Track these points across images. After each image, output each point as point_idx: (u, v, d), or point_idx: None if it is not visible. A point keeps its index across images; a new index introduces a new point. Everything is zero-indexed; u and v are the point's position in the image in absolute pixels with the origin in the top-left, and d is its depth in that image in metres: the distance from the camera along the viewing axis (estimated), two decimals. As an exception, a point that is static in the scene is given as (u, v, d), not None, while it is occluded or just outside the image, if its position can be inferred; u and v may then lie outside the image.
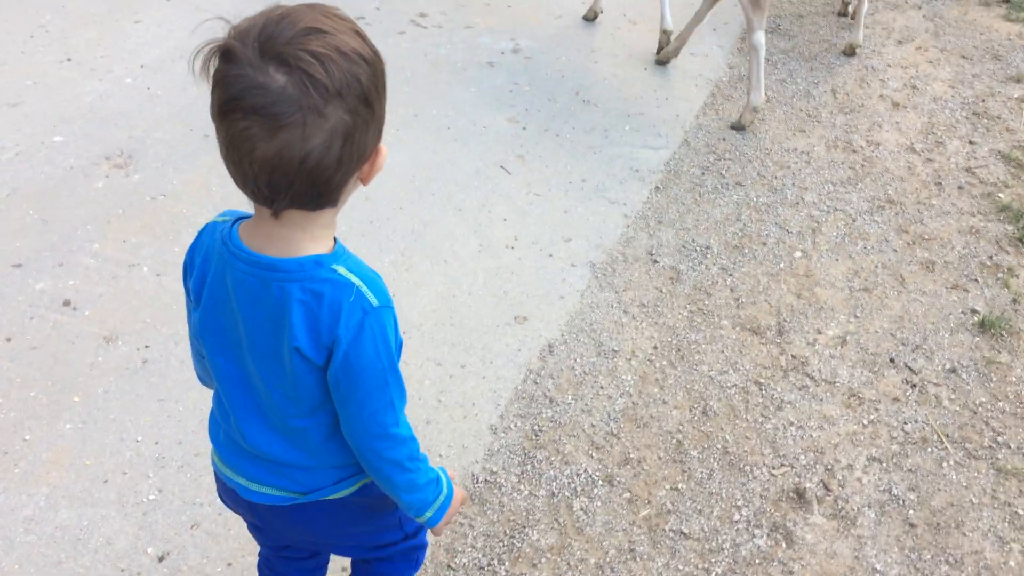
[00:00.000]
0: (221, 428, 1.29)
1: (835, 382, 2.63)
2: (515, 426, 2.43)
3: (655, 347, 2.73)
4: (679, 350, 2.73)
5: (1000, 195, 3.53)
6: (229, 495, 1.35)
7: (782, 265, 3.11)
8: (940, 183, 3.61)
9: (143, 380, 2.44)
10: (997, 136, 3.97)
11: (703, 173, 3.63)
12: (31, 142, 3.34)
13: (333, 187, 1.04)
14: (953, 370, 2.69)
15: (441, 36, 4.55)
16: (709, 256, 3.13)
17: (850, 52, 4.65)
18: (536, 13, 4.91)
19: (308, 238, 1.09)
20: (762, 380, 2.62)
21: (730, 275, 3.05)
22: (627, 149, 3.75)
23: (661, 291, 2.97)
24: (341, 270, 1.09)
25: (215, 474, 1.36)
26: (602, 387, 2.58)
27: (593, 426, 2.45)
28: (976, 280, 3.06)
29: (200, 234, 1.19)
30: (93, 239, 2.89)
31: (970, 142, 3.92)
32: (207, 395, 2.40)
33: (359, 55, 0.99)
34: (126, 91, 3.78)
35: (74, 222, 2.95)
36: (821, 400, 2.56)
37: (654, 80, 4.32)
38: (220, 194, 3.17)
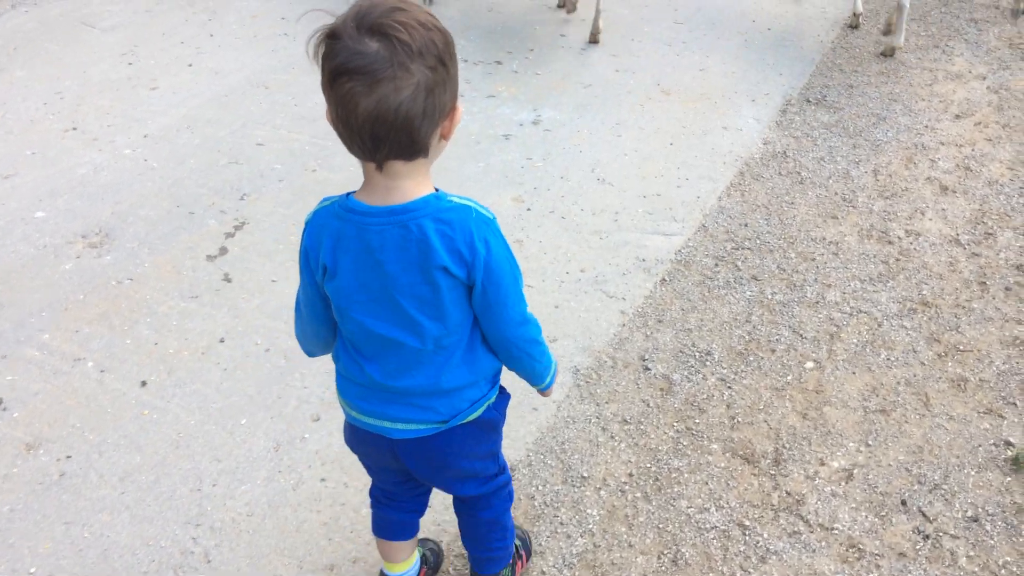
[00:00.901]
0: (356, 384, 1.50)
1: (833, 528, 2.29)
2: (453, 569, 2.17)
3: (630, 474, 2.44)
4: (657, 479, 2.42)
5: (1053, 300, 3.12)
6: (368, 441, 1.59)
7: (790, 377, 2.78)
8: (984, 283, 3.23)
9: (55, 498, 2.26)
10: (1057, 228, 3.55)
11: (716, 264, 3.33)
12: (13, 217, 3.27)
13: (422, 136, 1.24)
14: (975, 518, 2.31)
15: (461, 104, 4.37)
16: (708, 364, 2.83)
17: (889, 53, 4.38)
18: (564, 82, 4.71)
19: (415, 184, 1.31)
20: (748, 522, 2.30)
21: (729, 387, 2.74)
22: (636, 235, 3.47)
23: (648, 405, 2.67)
24: (456, 198, 1.34)
25: (350, 427, 1.62)
26: (562, 523, 2.29)
27: (543, 572, 2.16)
28: (1015, 404, 2.67)
29: (312, 221, 1.39)
30: (45, 328, 2.76)
31: (1025, 235, 3.52)
32: (118, 518, 2.22)
33: (434, 25, 1.23)
34: (122, 163, 3.70)
35: (31, 307, 2.83)
36: (814, 551, 2.22)
37: (679, 156, 4.05)
38: (189, 280, 3.03)
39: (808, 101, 4.66)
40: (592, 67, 4.92)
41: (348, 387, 1.55)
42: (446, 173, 3.80)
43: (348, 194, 1.36)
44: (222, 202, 3.47)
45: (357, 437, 1.64)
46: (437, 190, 1.36)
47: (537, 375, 1.62)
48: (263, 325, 2.84)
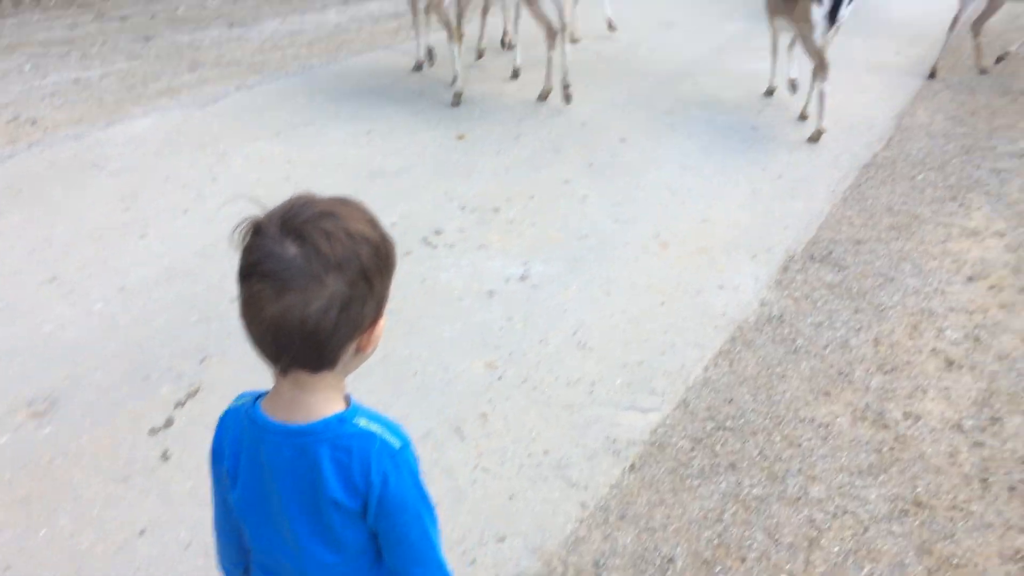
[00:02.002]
0: None
1: None
2: None
3: None
4: None
5: (1063, 505, 2.82)
6: None
7: (757, 593, 2.51)
8: (987, 479, 2.95)
9: None
10: (1072, 415, 3.26)
11: (693, 448, 3.10)
12: (-35, 379, 3.20)
13: (330, 350, 1.18)
14: None
15: (449, 258, 4.29)
16: (669, 574, 2.57)
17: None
18: (560, 232, 4.61)
19: (322, 399, 1.24)
20: None
21: (688, 603, 2.47)
22: (610, 411, 3.27)
23: (595, 622, 2.42)
24: (363, 422, 1.25)
25: None
26: None
27: None
28: (1011, 639, 2.36)
29: (223, 420, 1.33)
30: (-38, 511, 2.63)
31: (1036, 422, 3.23)
32: None
33: (364, 237, 1.17)
34: (90, 320, 3.64)
35: (-47, 488, 2.71)
36: None
37: (667, 319, 3.87)
38: (124, 457, 2.90)
39: (812, 258, 4.49)
40: (591, 216, 4.83)
41: None
42: (420, 334, 3.68)
43: (258, 397, 1.29)
44: (181, 364, 3.37)
45: None
46: (350, 404, 1.29)
47: None
48: (190, 514, 2.68)
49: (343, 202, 1.21)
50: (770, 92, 6.98)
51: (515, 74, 7.08)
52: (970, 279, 4.28)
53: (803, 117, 6.46)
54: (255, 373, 3.30)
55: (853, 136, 6.24)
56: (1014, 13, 9.67)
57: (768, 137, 6.12)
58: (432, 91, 6.71)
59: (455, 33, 6.49)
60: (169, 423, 3.05)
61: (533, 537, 2.70)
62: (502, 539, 2.68)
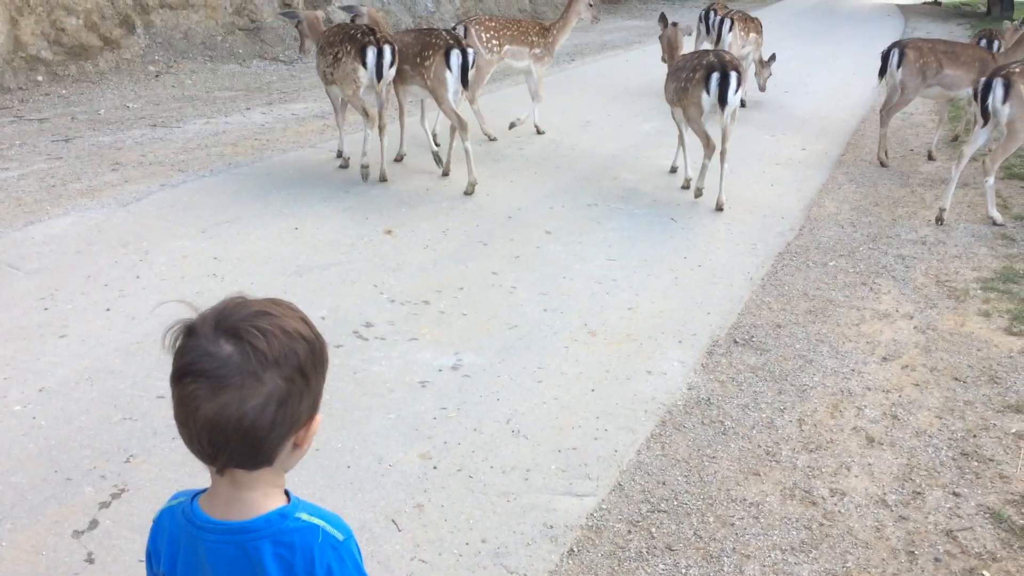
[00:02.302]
0: None
1: None
2: None
3: None
4: None
5: (985, 572, 2.91)
6: None
7: (699, 675, 2.49)
8: (913, 552, 3.02)
9: None
10: (988, 485, 3.40)
11: (630, 531, 3.11)
12: None
13: (267, 447, 1.18)
14: None
15: (380, 350, 4.29)
16: (610, 658, 2.55)
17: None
18: (490, 323, 4.66)
19: (262, 496, 1.23)
20: None
21: None
22: (547, 497, 3.27)
23: None
24: (304, 516, 1.24)
25: None
26: None
27: None
28: None
29: (158, 521, 1.31)
30: None
31: (955, 493, 3.35)
32: None
33: (299, 334, 1.19)
34: (8, 422, 3.51)
35: None
36: None
37: (598, 405, 3.92)
38: (46, 562, 2.77)
39: (735, 342, 4.63)
40: (520, 307, 4.90)
41: None
42: (353, 426, 3.64)
43: (195, 495, 1.29)
44: (105, 465, 3.26)
45: None
46: (290, 499, 1.29)
47: None
48: (116, 617, 2.56)
49: (275, 302, 1.24)
50: (673, 169, 7.38)
51: (445, 171, 7.23)
52: (884, 359, 4.46)
53: (697, 194, 6.84)
54: (182, 472, 3.22)
55: (767, 226, 6.53)
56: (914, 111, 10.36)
57: (687, 228, 6.35)
58: (360, 188, 6.80)
59: (373, 120, 6.68)
60: (94, 525, 2.93)
61: (473, 629, 2.65)
62: (441, 632, 2.62)
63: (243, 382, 1.14)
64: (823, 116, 10.59)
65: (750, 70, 10.95)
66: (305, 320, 1.24)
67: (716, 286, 5.36)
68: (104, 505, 3.05)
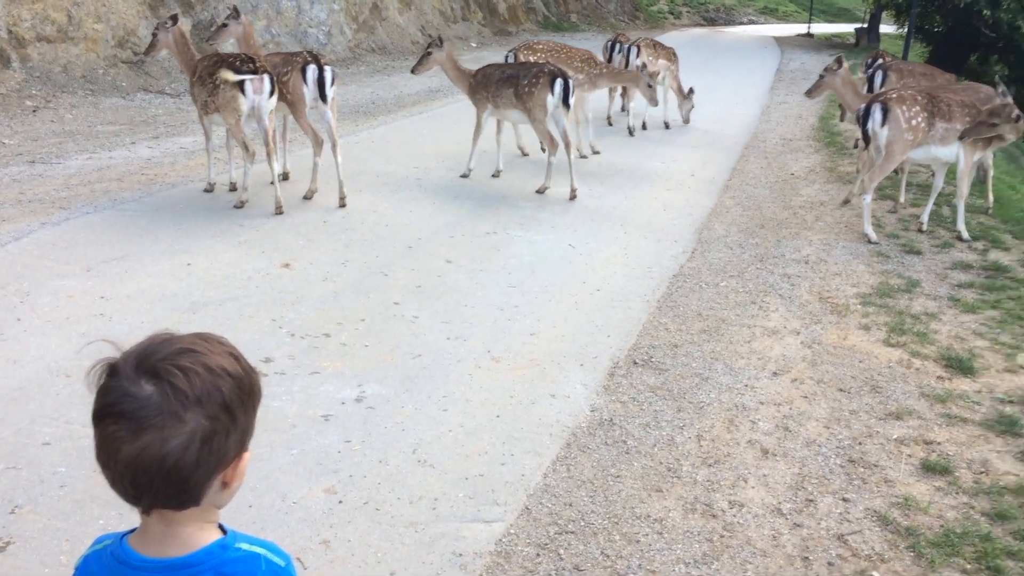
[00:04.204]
0: None
1: None
2: None
3: None
4: None
5: (875, 573, 3.07)
6: None
7: None
8: (807, 558, 3.15)
9: None
10: (874, 490, 3.58)
11: (538, 554, 3.14)
12: None
13: (192, 486, 1.16)
14: None
15: (280, 385, 4.21)
16: None
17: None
18: (393, 353, 4.64)
19: (197, 529, 1.22)
20: None
21: None
22: (455, 525, 3.27)
23: None
24: (245, 546, 1.25)
25: None
26: None
27: None
28: None
29: (83, 567, 1.26)
30: None
31: (844, 499, 3.51)
32: None
33: (225, 370, 1.17)
34: None
35: None
36: None
37: (504, 430, 3.95)
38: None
39: (635, 363, 4.74)
40: (423, 336, 4.90)
41: None
42: (254, 463, 3.55)
43: (123, 536, 1.25)
44: (-12, 517, 3.09)
45: None
46: (225, 532, 1.28)
47: None
48: (4, 678, 2.43)
49: (203, 337, 1.23)
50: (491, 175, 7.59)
51: (342, 203, 7.19)
52: (775, 374, 4.65)
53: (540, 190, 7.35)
54: (71, 521, 3.09)
55: (661, 249, 6.73)
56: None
57: (585, 253, 6.48)
58: (254, 221, 6.69)
59: (253, 155, 6.88)
60: (-25, 582, 2.78)
61: (385, 662, 2.62)
62: (353, 668, 2.58)
63: (164, 422, 1.13)
64: (709, 144, 11.01)
65: (673, 102, 11.41)
66: (234, 355, 1.23)
67: (615, 309, 5.48)
68: (-11, 560, 2.89)
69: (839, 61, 7.74)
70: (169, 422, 1.13)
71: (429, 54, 8.15)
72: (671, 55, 11.43)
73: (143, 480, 1.15)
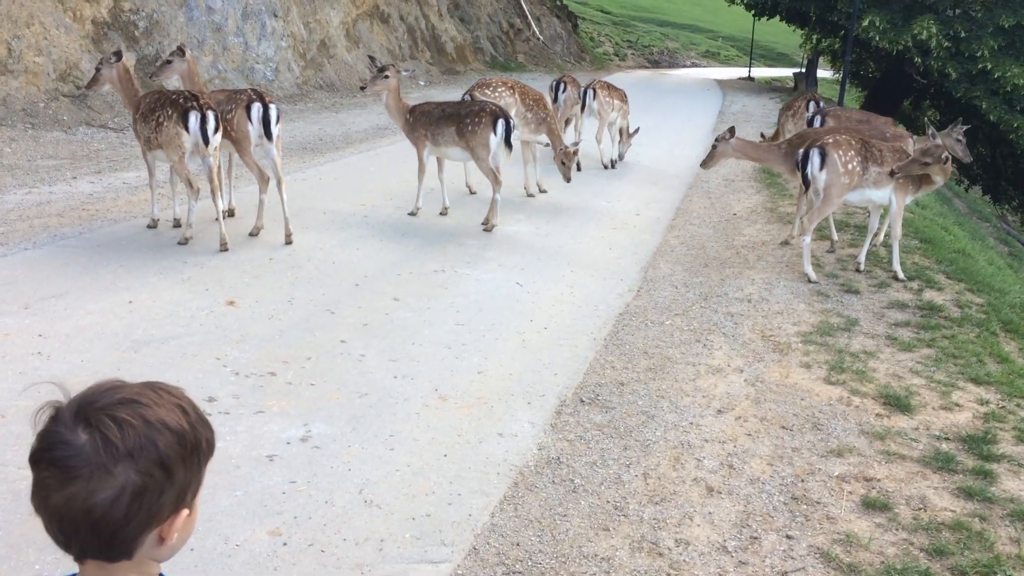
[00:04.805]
0: None
1: None
2: None
3: None
4: None
5: (818, 609, 3.10)
6: None
7: None
8: (753, 595, 3.18)
9: None
10: (816, 527, 3.63)
11: (486, 595, 3.12)
12: None
13: (121, 541, 1.14)
14: None
15: (224, 425, 4.14)
16: None
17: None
18: (339, 392, 4.60)
19: None
20: None
21: None
22: (402, 567, 3.24)
23: None
24: None
25: None
26: None
27: None
28: None
29: None
30: None
31: (788, 536, 3.56)
32: None
33: (164, 424, 1.14)
34: None
35: None
36: None
37: (451, 469, 3.94)
38: None
39: (582, 401, 4.77)
40: (370, 374, 4.87)
41: None
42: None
43: None
44: (-86, 565, 2.97)
45: None
46: None
47: None
48: None
49: (153, 387, 1.21)
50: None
51: (288, 240, 7.13)
52: (719, 412, 4.72)
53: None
54: (5, 567, 2.98)
55: (608, 287, 6.81)
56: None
57: (532, 291, 6.52)
58: (198, 258, 6.60)
59: (197, 192, 6.82)
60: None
61: None
62: None
63: (91, 474, 1.11)
64: (653, 183, 11.21)
65: (614, 139, 11.59)
66: (183, 408, 1.21)
67: (562, 347, 5.52)
68: (-86, 610, 2.78)
69: (731, 131, 7.95)
70: (97, 474, 1.11)
71: (385, 76, 8.05)
72: (623, 96, 11.66)
73: (70, 530, 1.14)
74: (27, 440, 3.13)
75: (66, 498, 1.11)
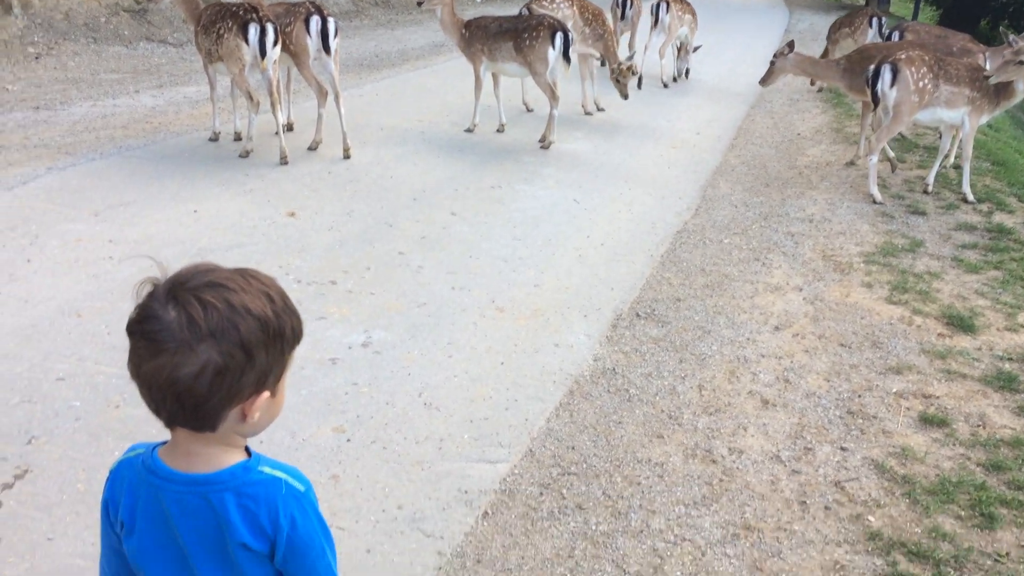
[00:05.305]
0: None
1: None
2: None
3: None
4: None
5: (870, 518, 3.13)
6: None
7: (612, 622, 2.61)
8: (805, 502, 3.22)
9: None
10: (872, 440, 3.64)
11: (542, 493, 3.21)
12: None
13: (204, 413, 1.21)
14: None
15: (288, 329, 4.24)
16: (527, 611, 2.64)
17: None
18: (399, 301, 4.69)
19: (221, 451, 1.27)
20: None
21: (548, 638, 2.54)
22: (460, 464, 3.34)
23: (459, 665, 2.44)
24: (267, 470, 1.29)
25: None
26: None
27: None
28: (838, 639, 2.58)
29: (116, 471, 1.34)
30: None
31: (842, 448, 3.58)
32: None
33: (247, 310, 1.19)
34: None
35: None
36: None
37: (509, 376, 4.01)
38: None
39: (638, 315, 4.79)
40: (428, 285, 4.94)
41: None
42: (264, 404, 3.61)
43: (155, 447, 1.31)
44: (5, 448, 3.16)
45: None
46: (250, 455, 1.32)
47: None
48: (26, 596, 2.51)
49: (243, 273, 1.25)
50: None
51: (346, 154, 7.17)
52: (776, 328, 4.70)
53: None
54: (87, 452, 3.15)
55: (666, 206, 6.75)
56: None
57: (590, 208, 6.50)
58: (260, 171, 6.69)
59: (257, 105, 6.82)
60: (-4, 506, 2.85)
61: (392, 590, 2.70)
62: (361, 595, 2.66)
63: (176, 349, 1.16)
64: (714, 102, 10.96)
65: (673, 56, 11.34)
66: (270, 296, 1.24)
67: (618, 263, 5.52)
68: (7, 486, 2.97)
69: (790, 45, 7.68)
70: (182, 350, 1.16)
71: None
72: (693, 12, 11.34)
73: (158, 397, 1.20)
74: (103, 339, 3.26)
75: (154, 368, 1.17)
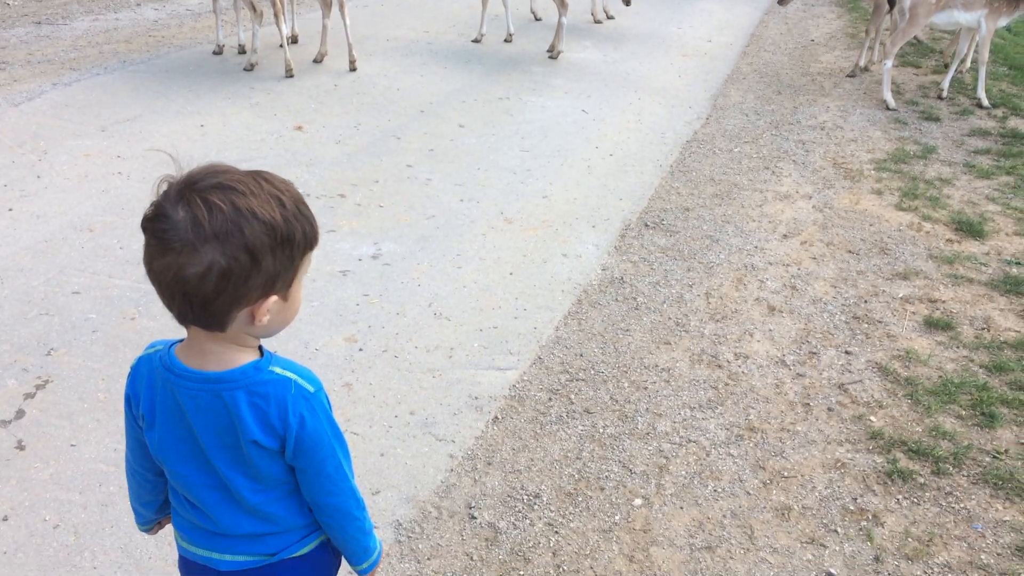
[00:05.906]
0: (185, 519, 1.45)
1: None
2: None
3: (447, 640, 2.29)
4: (475, 644, 2.28)
5: (872, 418, 3.19)
6: (196, 571, 1.48)
7: (618, 517, 2.71)
8: (808, 404, 3.29)
9: None
10: (876, 344, 3.68)
11: (550, 399, 3.29)
12: None
13: (211, 313, 1.21)
14: (799, 661, 2.25)
15: (298, 242, 4.28)
16: (536, 508, 2.74)
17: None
18: (408, 213, 4.70)
19: (235, 350, 1.29)
20: None
21: (556, 532, 2.65)
22: (471, 372, 3.41)
23: (471, 558, 2.55)
24: (278, 370, 1.31)
25: (181, 556, 1.51)
26: None
27: None
28: (836, 531, 2.67)
29: (136, 367, 1.38)
30: None
31: (847, 352, 3.63)
32: None
33: (253, 214, 1.18)
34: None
35: None
36: None
37: (517, 287, 4.05)
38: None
39: (646, 225, 4.79)
40: (436, 197, 4.95)
41: (178, 520, 1.50)
42: (277, 314, 3.67)
43: (172, 345, 1.34)
44: (25, 359, 3.24)
45: (187, 568, 1.55)
46: (263, 354, 1.34)
47: (352, 552, 1.53)
48: (55, 498, 2.61)
49: (256, 176, 1.23)
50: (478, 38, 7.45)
51: (352, 67, 7.09)
52: (785, 236, 4.71)
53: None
54: (105, 362, 3.23)
55: (675, 115, 6.67)
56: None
57: (599, 119, 6.44)
58: (265, 84, 6.63)
59: (260, 16, 6.74)
60: (20, 414, 2.94)
61: (406, 488, 2.80)
62: (377, 492, 2.76)
63: (182, 248, 1.16)
64: (726, 8, 10.71)
65: None
66: (281, 200, 1.22)
67: (627, 173, 5.50)
68: (29, 396, 3.05)
69: None
70: (186, 250, 1.16)
71: None
72: None
73: (168, 293, 1.21)
74: (115, 253, 3.30)
75: (163, 266, 1.18)
